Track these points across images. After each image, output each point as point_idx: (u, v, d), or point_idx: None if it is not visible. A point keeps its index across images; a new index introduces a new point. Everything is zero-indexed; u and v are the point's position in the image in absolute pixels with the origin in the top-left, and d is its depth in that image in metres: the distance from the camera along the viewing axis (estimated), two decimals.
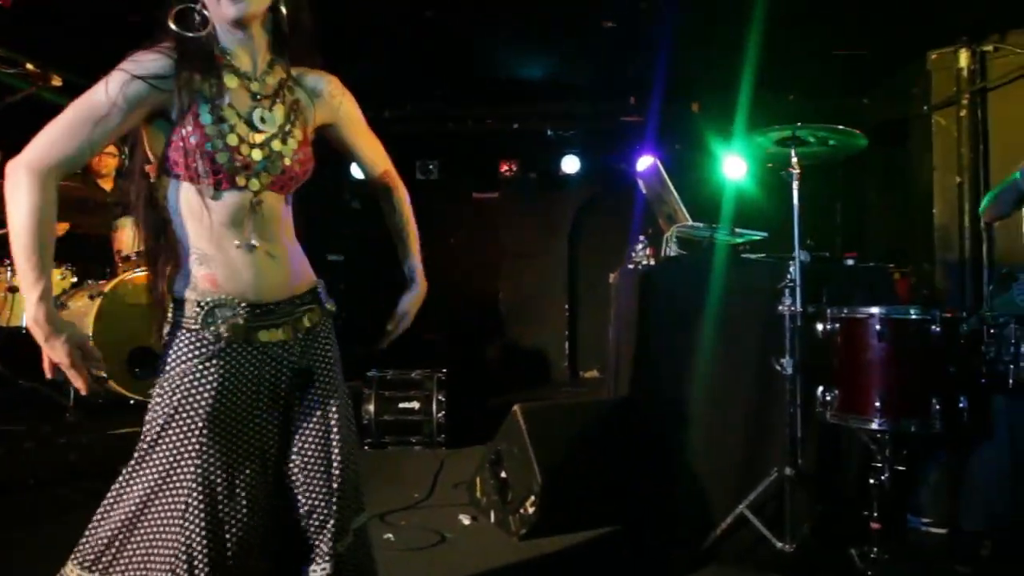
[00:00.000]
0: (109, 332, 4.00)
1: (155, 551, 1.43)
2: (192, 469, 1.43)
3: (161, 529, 1.44)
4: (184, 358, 1.45)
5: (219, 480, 1.45)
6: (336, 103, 1.67)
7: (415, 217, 1.89)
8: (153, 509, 1.45)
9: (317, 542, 1.55)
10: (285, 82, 1.56)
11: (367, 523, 1.70)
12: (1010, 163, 2.68)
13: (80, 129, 1.39)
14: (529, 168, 7.34)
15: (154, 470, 1.45)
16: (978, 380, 2.46)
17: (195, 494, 1.42)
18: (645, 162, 6.56)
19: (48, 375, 1.42)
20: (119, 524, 1.45)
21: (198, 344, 1.46)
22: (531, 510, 2.89)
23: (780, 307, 2.70)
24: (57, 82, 4.27)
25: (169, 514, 1.44)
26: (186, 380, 1.44)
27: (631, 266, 3.74)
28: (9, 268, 4.45)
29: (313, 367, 1.60)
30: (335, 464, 1.57)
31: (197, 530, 1.41)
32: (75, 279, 4.65)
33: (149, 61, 1.43)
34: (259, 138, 1.50)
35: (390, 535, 2.99)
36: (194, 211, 1.47)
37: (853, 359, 2.47)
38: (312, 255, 1.68)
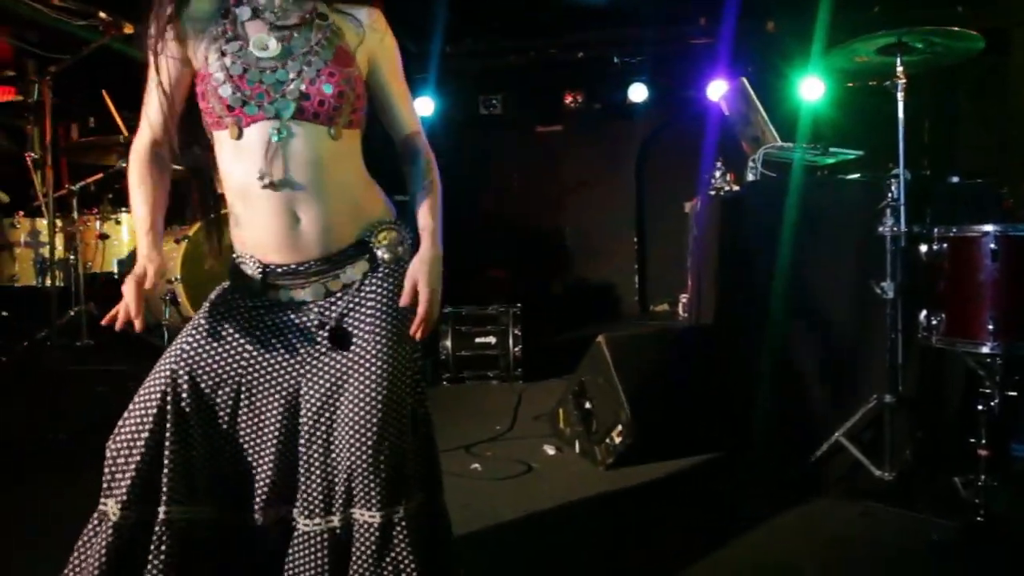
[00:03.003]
0: (194, 275, 4.12)
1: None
2: (158, 390, 1.43)
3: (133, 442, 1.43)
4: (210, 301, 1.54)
5: (181, 408, 1.43)
6: (378, 36, 1.53)
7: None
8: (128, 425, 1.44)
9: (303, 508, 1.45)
10: (314, 10, 1.46)
11: (395, 516, 1.44)
12: None
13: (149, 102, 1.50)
14: (594, 98, 7.13)
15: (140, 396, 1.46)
16: None
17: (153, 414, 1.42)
18: (720, 86, 6.31)
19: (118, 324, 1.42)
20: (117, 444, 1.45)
21: (222, 293, 1.54)
22: (618, 440, 2.89)
23: (881, 228, 2.56)
24: (129, 30, 4.28)
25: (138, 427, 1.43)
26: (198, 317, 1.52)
27: (712, 192, 3.62)
28: (99, 216, 4.61)
29: (351, 326, 1.48)
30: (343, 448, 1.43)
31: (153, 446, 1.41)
32: None
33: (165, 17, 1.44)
34: (268, 64, 1.41)
35: (477, 465, 3.04)
36: (226, 163, 1.45)
37: (963, 280, 2.33)
38: None
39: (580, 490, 2.77)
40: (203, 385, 1.45)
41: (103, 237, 4.59)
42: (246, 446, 1.47)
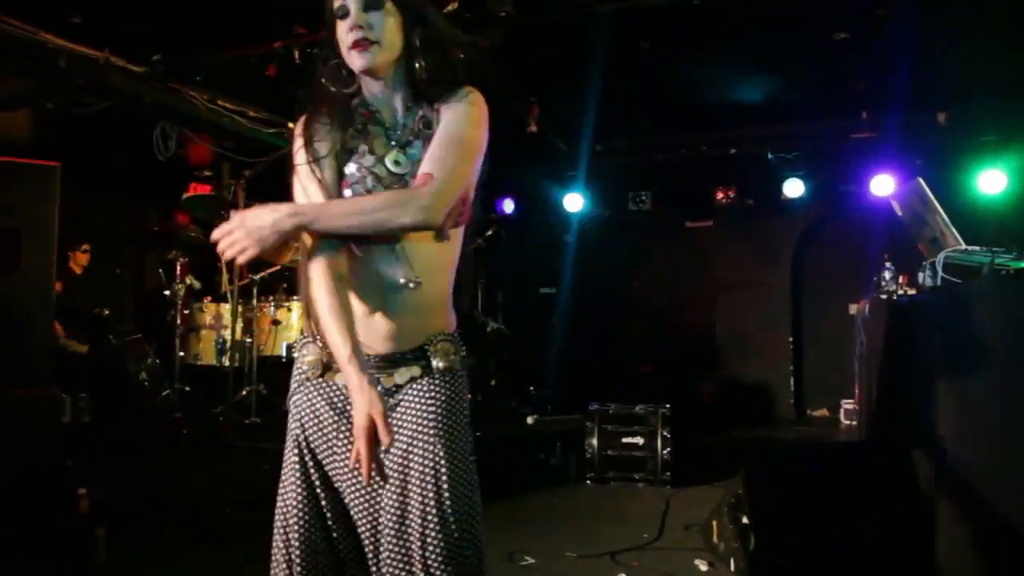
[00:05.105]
0: None
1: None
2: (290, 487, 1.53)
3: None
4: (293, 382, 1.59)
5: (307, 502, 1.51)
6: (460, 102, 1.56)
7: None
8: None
9: None
10: (422, 119, 1.53)
11: None
12: None
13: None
14: (747, 194, 7.01)
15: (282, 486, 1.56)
16: None
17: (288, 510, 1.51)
18: (885, 181, 6.02)
19: None
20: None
21: (296, 373, 1.59)
22: (779, 562, 2.65)
23: None
24: None
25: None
26: (291, 402, 1.58)
27: (883, 296, 3.38)
28: (273, 303, 5.02)
29: (397, 424, 1.50)
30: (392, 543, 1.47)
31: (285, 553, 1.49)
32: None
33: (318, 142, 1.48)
34: (395, 181, 1.48)
35: (623, 575, 2.89)
36: (350, 263, 1.48)
37: None
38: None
39: None
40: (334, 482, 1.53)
41: (275, 323, 4.97)
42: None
